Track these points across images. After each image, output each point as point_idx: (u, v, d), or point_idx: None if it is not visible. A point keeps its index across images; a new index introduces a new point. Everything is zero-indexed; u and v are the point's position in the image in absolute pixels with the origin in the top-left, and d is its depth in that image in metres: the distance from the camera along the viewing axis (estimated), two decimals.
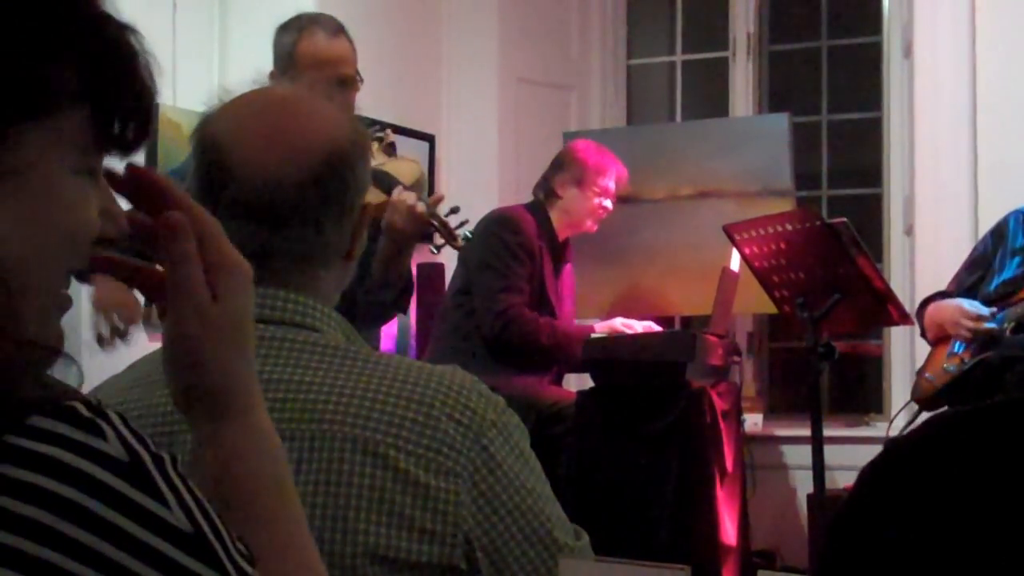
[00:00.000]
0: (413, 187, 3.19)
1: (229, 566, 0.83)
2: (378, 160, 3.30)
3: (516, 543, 1.41)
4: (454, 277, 4.68)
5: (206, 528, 0.82)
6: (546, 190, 4.68)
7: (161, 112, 4.56)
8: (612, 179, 4.65)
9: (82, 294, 3.24)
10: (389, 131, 3.41)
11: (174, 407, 1.40)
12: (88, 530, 0.76)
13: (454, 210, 3.32)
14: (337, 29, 3.33)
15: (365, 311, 3.33)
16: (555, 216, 4.66)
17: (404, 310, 3.43)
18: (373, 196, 3.38)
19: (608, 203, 4.66)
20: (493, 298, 4.46)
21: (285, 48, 3.32)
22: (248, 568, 0.85)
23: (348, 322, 1.53)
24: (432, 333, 4.74)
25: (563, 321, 4.66)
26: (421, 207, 3.14)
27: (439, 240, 3.29)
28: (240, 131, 1.48)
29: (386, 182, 3.29)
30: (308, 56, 3.28)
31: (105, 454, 0.79)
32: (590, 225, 4.70)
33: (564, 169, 4.67)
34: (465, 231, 3.31)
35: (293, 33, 3.33)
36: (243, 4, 4.98)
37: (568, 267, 4.78)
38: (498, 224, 4.56)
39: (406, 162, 3.59)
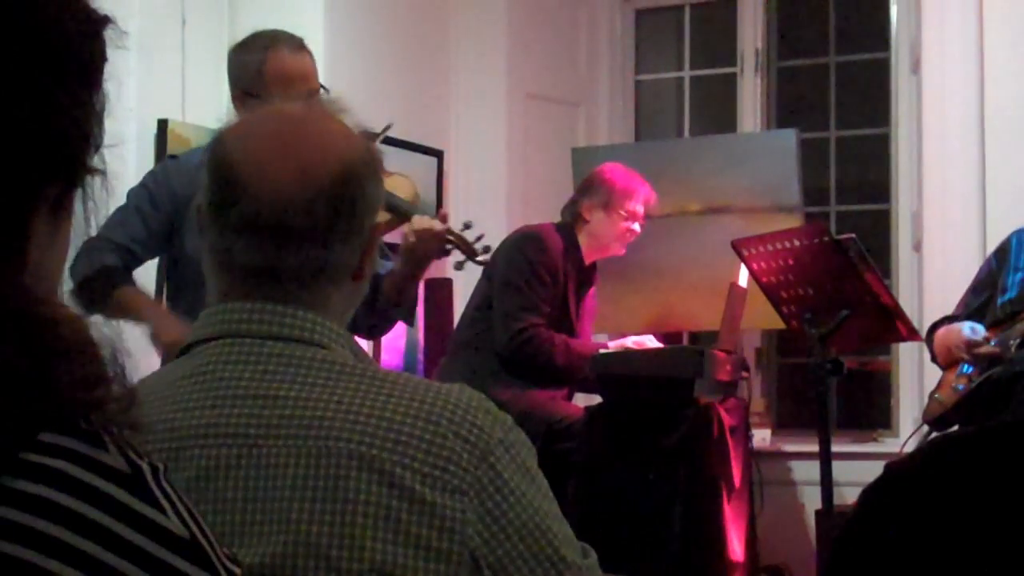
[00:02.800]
0: (412, 201, 3.22)
1: (221, 569, 0.87)
2: None
3: (523, 561, 1.41)
4: (476, 289, 4.65)
5: (198, 534, 0.86)
6: (573, 213, 4.65)
7: (170, 127, 4.57)
8: (640, 202, 4.62)
9: None
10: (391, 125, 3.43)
11: (182, 423, 1.42)
12: (92, 540, 0.80)
13: (467, 225, 3.34)
14: (299, 45, 3.34)
15: (373, 325, 3.34)
16: (582, 239, 4.64)
17: (410, 323, 3.46)
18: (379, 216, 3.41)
19: (636, 226, 4.64)
20: (512, 316, 4.45)
21: (252, 67, 3.29)
22: (236, 569, 0.89)
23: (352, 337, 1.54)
24: (449, 343, 4.74)
25: (578, 339, 4.65)
26: (439, 226, 3.17)
27: (459, 256, 3.31)
28: (251, 148, 1.49)
29: (391, 202, 3.28)
30: (277, 73, 3.25)
31: (108, 466, 0.83)
32: (617, 248, 4.68)
33: (591, 192, 4.64)
34: (483, 244, 3.33)
35: (259, 52, 3.30)
36: (252, 20, 4.98)
37: (592, 291, 4.77)
38: (525, 242, 4.54)
39: (399, 177, 3.59)
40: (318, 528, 1.35)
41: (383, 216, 3.37)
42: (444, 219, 3.26)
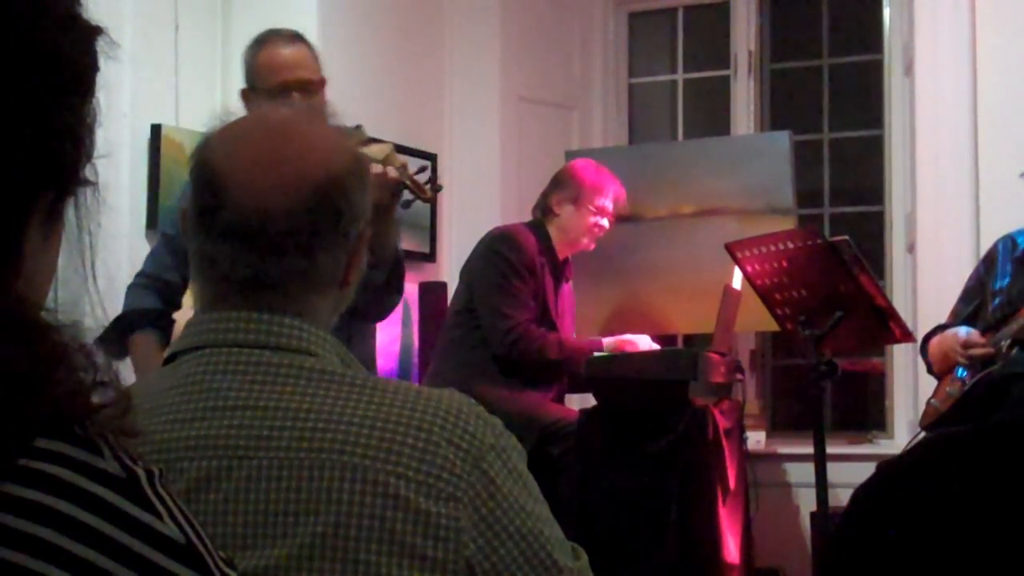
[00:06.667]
0: (385, 161, 3.23)
1: (217, 573, 0.87)
2: None
3: (517, 566, 1.41)
4: (455, 295, 4.71)
5: (195, 538, 0.86)
6: (543, 208, 4.71)
7: (164, 132, 4.57)
8: (609, 198, 4.66)
9: None
10: (363, 127, 3.46)
11: (171, 435, 1.41)
12: (88, 545, 0.81)
13: (422, 168, 3.35)
14: (293, 37, 3.43)
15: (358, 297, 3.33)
16: (553, 234, 4.68)
17: (399, 291, 3.43)
18: None
19: (605, 222, 4.67)
20: (500, 315, 4.47)
21: (250, 62, 3.42)
22: (232, 574, 0.90)
23: (343, 344, 1.53)
24: (434, 352, 4.75)
25: (570, 336, 4.67)
26: (391, 172, 3.17)
27: (408, 196, 3.30)
28: (235, 155, 1.48)
29: None
30: (266, 65, 3.37)
31: (103, 471, 0.84)
32: (586, 243, 4.71)
33: (561, 187, 4.69)
34: (435, 185, 3.33)
35: (255, 47, 3.42)
36: (246, 24, 4.97)
37: (568, 286, 4.80)
38: (499, 242, 4.58)
39: (375, 145, 3.60)
40: (311, 540, 1.34)
41: None
42: (403, 165, 3.21)
